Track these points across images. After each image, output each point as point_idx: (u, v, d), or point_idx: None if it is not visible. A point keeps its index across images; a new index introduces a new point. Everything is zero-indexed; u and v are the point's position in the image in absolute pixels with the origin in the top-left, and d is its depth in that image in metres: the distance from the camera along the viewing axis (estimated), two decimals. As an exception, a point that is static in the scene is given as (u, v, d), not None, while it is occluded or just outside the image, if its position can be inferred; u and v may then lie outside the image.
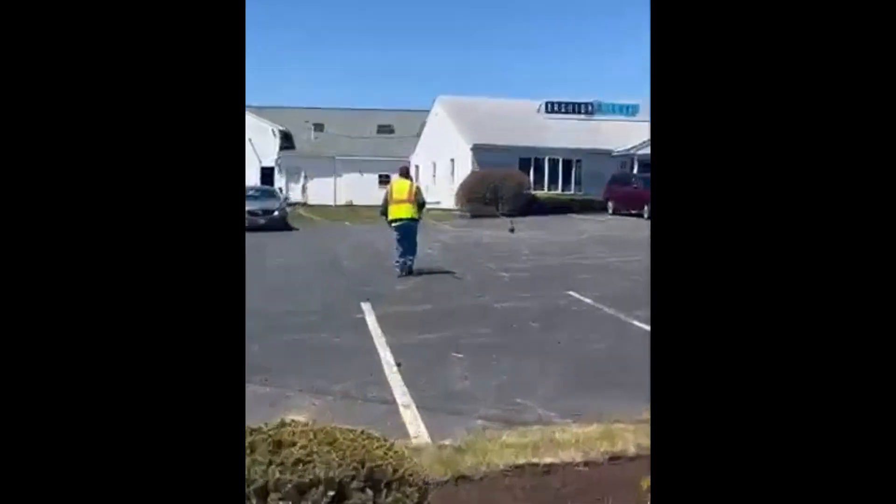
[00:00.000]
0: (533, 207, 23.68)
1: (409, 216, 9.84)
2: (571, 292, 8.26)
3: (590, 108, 28.78)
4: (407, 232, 9.91)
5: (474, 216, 23.60)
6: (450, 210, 25.90)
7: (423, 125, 33.29)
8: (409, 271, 9.89)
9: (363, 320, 6.85)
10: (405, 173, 10.38)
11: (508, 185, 23.82)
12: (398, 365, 5.19)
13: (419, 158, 33.44)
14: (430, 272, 10.14)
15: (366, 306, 7.47)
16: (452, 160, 28.41)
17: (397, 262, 9.90)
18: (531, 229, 18.31)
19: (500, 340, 6.00)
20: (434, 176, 30.88)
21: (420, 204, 10.00)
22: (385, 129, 39.55)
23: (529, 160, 26.18)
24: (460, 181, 25.47)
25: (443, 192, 28.20)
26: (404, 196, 9.86)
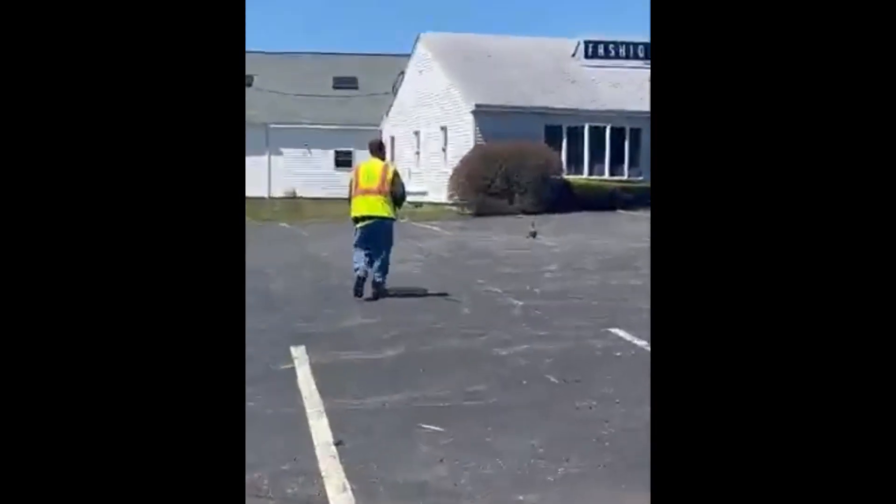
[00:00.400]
0: (565, 200, 23.79)
1: (382, 214, 10.00)
2: (615, 329, 8.26)
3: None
4: (376, 235, 10.05)
5: (478, 213, 23.71)
6: (441, 204, 25.99)
7: (400, 77, 33.46)
8: (374, 294, 10.00)
9: (292, 373, 6.81)
10: (377, 150, 10.51)
11: (528, 167, 23.94)
12: (338, 443, 5.11)
13: (395, 127, 33.59)
14: (406, 296, 10.29)
15: (298, 352, 7.44)
16: (444, 129, 28.52)
17: (356, 269, 10.01)
18: (561, 232, 18.38)
19: (500, 404, 5.95)
20: (417, 153, 31.03)
21: (398, 196, 10.14)
22: (345, 84, 39.75)
23: (559, 129, 26.31)
24: (457, 161, 25.50)
25: (431, 178, 28.28)
26: (375, 184, 10.01)
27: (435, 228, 20.40)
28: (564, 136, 26.33)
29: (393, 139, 32.52)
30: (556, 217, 21.76)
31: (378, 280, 10.07)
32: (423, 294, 10.55)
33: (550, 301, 10.09)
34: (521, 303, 9.91)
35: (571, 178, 25.36)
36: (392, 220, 10.14)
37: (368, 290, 9.96)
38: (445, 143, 28.31)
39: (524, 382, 6.50)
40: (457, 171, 24.99)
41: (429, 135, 29.95)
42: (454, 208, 25.15)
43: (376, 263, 10.06)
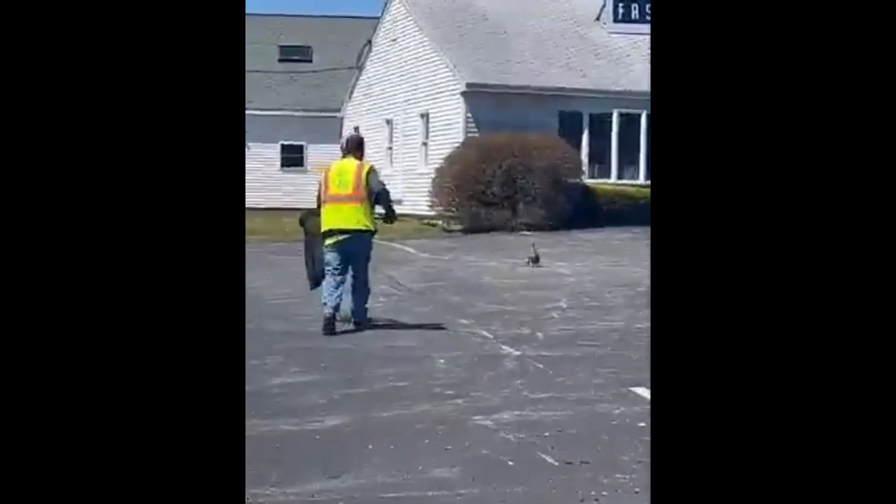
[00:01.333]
0: (586, 212, 23.86)
1: (358, 226, 10.41)
2: (639, 389, 8.20)
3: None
4: (352, 254, 10.53)
5: (469, 229, 23.80)
6: (422, 217, 25.95)
7: (367, 47, 33.66)
8: (355, 322, 10.79)
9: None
10: (355, 149, 10.94)
11: (537, 169, 24.13)
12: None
13: (359, 113, 33.77)
14: (363, 342, 10.51)
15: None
16: (425, 116, 28.68)
17: (325, 303, 10.47)
18: (579, 257, 18.43)
19: (474, 496, 5.85)
20: (390, 149, 31.16)
21: (383, 198, 10.68)
22: (295, 56, 39.94)
23: (578, 117, 26.45)
24: (441, 160, 25.52)
25: (408, 183, 28.24)
26: (348, 189, 10.46)
27: (410, 250, 20.36)
28: (585, 126, 26.45)
29: (357, 130, 32.51)
30: (574, 235, 21.72)
31: (359, 315, 10.74)
32: (386, 340, 10.57)
33: (556, 350, 10.07)
34: (516, 352, 9.89)
35: (594, 182, 25.46)
36: (372, 233, 10.52)
37: (348, 320, 10.61)
38: (427, 136, 28.38)
39: (510, 465, 6.38)
40: (441, 172, 25.09)
41: (405, 124, 30.13)
42: (438, 222, 25.17)
43: (349, 286, 10.48)
